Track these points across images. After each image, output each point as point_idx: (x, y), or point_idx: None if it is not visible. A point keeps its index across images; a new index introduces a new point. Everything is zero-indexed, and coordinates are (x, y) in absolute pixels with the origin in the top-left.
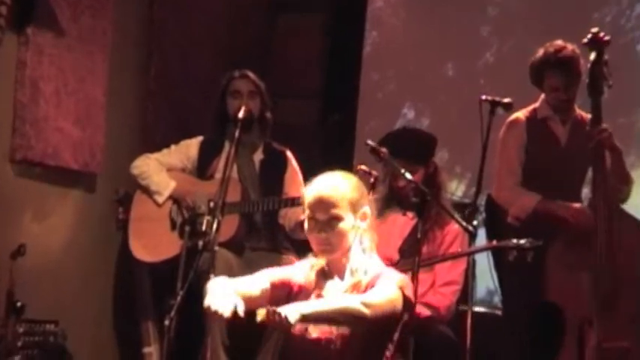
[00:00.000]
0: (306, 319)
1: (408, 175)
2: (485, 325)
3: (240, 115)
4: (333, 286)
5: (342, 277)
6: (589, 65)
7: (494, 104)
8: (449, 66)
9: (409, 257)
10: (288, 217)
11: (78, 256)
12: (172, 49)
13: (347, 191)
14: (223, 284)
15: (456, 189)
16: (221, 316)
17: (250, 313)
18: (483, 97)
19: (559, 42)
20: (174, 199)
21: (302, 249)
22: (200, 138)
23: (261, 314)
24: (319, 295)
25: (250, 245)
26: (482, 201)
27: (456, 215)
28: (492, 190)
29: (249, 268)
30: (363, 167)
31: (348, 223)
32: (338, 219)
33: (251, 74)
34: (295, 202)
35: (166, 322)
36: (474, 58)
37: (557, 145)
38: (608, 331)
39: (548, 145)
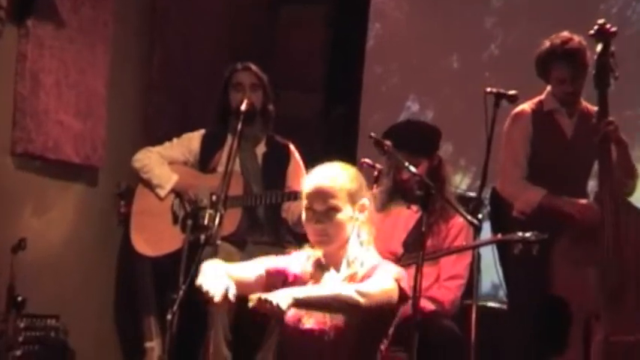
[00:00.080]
0: (299, 303)
1: (412, 168)
2: (490, 319)
3: (243, 108)
4: (329, 277)
5: (338, 269)
6: (595, 57)
7: (499, 97)
8: (453, 58)
9: (413, 251)
10: (291, 210)
11: (79, 250)
12: (174, 41)
13: (345, 182)
14: (217, 267)
15: (461, 182)
16: (212, 298)
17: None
18: (488, 89)
19: (565, 33)
20: (177, 192)
21: (305, 243)
22: (202, 131)
23: (253, 300)
24: (314, 285)
25: (253, 239)
26: (487, 194)
27: (461, 209)
28: (497, 184)
29: None
30: (367, 160)
31: (346, 214)
32: (336, 210)
33: (253, 67)
34: (298, 195)
35: (168, 317)
36: (479, 50)
37: (563, 137)
38: (615, 325)
39: (553, 137)
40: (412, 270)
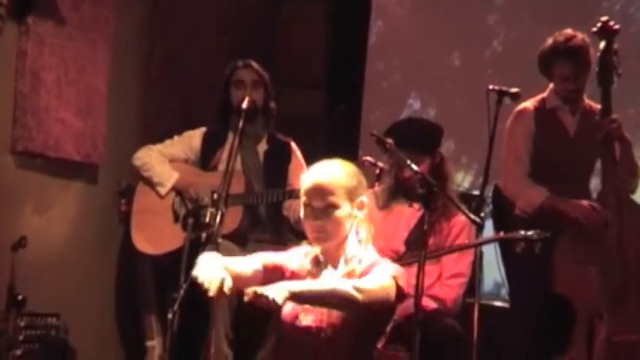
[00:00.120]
0: (295, 297)
1: (414, 166)
2: (493, 318)
3: (244, 105)
4: (327, 274)
5: (336, 267)
6: (598, 54)
7: (501, 94)
8: (455, 55)
9: (415, 249)
10: (293, 208)
11: (80, 248)
12: (175, 38)
13: (344, 179)
14: (214, 259)
15: (463, 180)
16: (206, 290)
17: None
18: (490, 86)
19: (569, 31)
20: (177, 190)
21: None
22: (203, 129)
23: (248, 294)
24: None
25: (254, 237)
26: (489, 192)
27: (463, 206)
28: (499, 181)
29: None
30: (369, 158)
31: (345, 211)
32: (334, 207)
33: (255, 64)
34: (299, 193)
35: (169, 316)
36: (481, 47)
37: (566, 135)
38: (619, 325)
39: (556, 135)
40: (414, 268)
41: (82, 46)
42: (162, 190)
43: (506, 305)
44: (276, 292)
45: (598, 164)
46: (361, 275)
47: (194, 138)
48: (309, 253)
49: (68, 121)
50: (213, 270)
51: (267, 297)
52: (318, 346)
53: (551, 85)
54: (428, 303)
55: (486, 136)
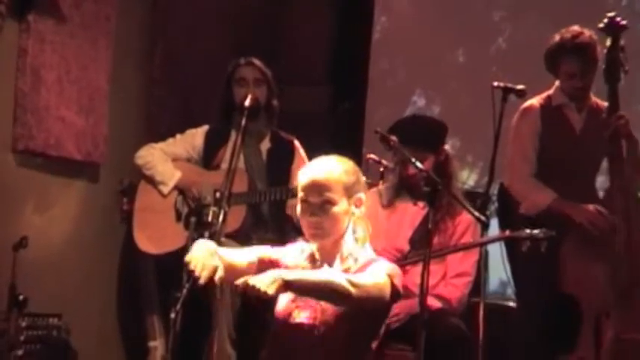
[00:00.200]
0: (288, 286)
1: (419, 164)
2: (498, 317)
3: (247, 103)
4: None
5: (331, 264)
6: (605, 51)
7: (506, 91)
8: (460, 52)
9: (420, 248)
10: (296, 207)
11: (81, 248)
12: (177, 35)
13: (341, 175)
14: (209, 247)
15: (468, 178)
16: (197, 278)
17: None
18: (495, 83)
19: (576, 27)
20: (180, 189)
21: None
22: (206, 127)
23: (240, 284)
24: None
25: (257, 236)
26: (494, 190)
27: (468, 205)
28: (505, 180)
29: None
30: (373, 156)
31: (342, 207)
32: (331, 203)
33: (257, 61)
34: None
35: (172, 316)
36: (486, 44)
37: (572, 133)
38: (626, 323)
39: (562, 133)
40: (419, 267)
41: (83, 44)
42: (165, 189)
43: (511, 304)
44: (269, 281)
45: (604, 162)
46: (357, 273)
47: (196, 136)
48: (305, 249)
49: (69, 120)
50: (207, 257)
51: (258, 289)
52: (311, 343)
53: (557, 82)
54: (433, 302)
55: (491, 133)
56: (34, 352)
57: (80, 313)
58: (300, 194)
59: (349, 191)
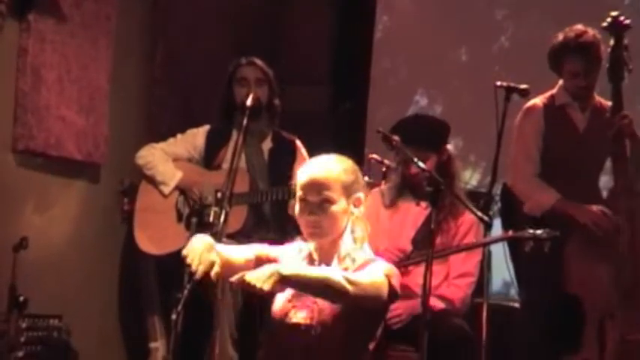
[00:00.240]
0: (285, 280)
1: (421, 164)
2: (502, 318)
3: (249, 103)
4: None
5: (329, 264)
6: (609, 50)
7: (509, 90)
8: (462, 51)
9: (422, 248)
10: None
11: (82, 248)
12: (178, 34)
13: (340, 174)
14: (207, 242)
15: (471, 178)
16: (194, 272)
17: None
18: (498, 83)
19: (579, 26)
20: (181, 189)
21: None
22: (207, 127)
23: (237, 279)
24: None
25: (259, 237)
26: (497, 190)
27: (471, 205)
28: (508, 179)
29: None
30: (375, 156)
31: (340, 206)
32: (330, 202)
33: (258, 61)
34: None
35: (173, 317)
36: (489, 43)
37: (576, 132)
38: (631, 324)
39: (566, 132)
40: (421, 268)
41: (83, 43)
42: (166, 189)
43: (515, 305)
44: (265, 277)
45: (608, 162)
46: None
47: (198, 136)
48: (303, 249)
49: (70, 120)
50: (204, 252)
51: (254, 286)
52: (308, 343)
53: (561, 82)
54: (436, 303)
55: (494, 133)
56: (34, 353)
57: (81, 314)
58: (299, 193)
59: (348, 190)
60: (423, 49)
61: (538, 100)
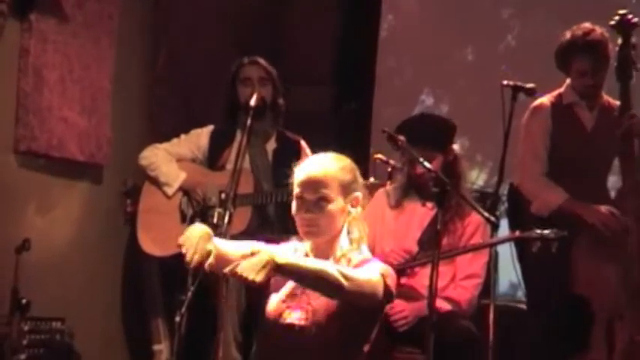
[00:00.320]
0: (280, 269)
1: (427, 164)
2: (509, 319)
3: (253, 102)
4: None
5: None
6: (617, 49)
7: (516, 90)
8: (468, 50)
9: (428, 249)
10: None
11: (85, 250)
12: (180, 34)
13: (338, 172)
14: (205, 232)
15: (477, 178)
16: (187, 262)
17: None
18: (505, 82)
19: (587, 25)
20: (185, 190)
21: None
22: (211, 127)
23: (229, 269)
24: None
25: (263, 238)
26: (504, 190)
27: (477, 205)
28: (516, 179)
29: None
30: (380, 156)
31: (337, 205)
32: (327, 200)
33: (261, 60)
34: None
35: (177, 319)
36: (495, 42)
37: (583, 131)
38: None
39: (573, 131)
40: (427, 269)
41: (85, 43)
42: (170, 190)
43: (522, 306)
44: (258, 267)
45: (616, 162)
46: None
47: (201, 136)
48: (299, 248)
49: (72, 120)
50: (200, 241)
51: (246, 278)
52: (302, 344)
53: (568, 80)
54: (442, 304)
55: (501, 132)
56: (37, 356)
57: (84, 317)
58: (296, 190)
59: (346, 189)
60: (429, 48)
61: (545, 99)
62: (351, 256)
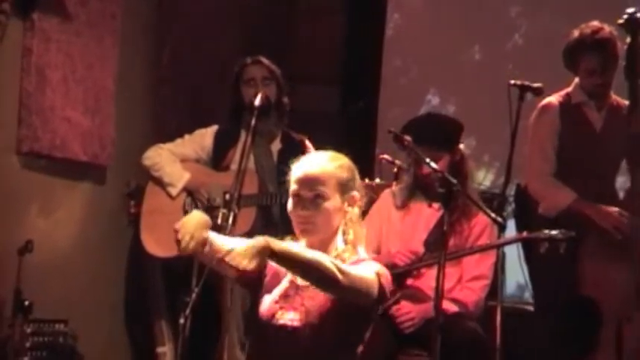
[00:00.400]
0: (275, 255)
1: (433, 164)
2: (516, 321)
3: (257, 102)
4: None
5: None
6: (625, 47)
7: (523, 89)
8: (475, 49)
9: (435, 250)
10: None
11: (87, 251)
12: (185, 34)
13: (336, 170)
14: (203, 218)
15: (484, 178)
16: (184, 249)
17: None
18: (512, 81)
19: (595, 23)
20: (189, 191)
21: None
22: (215, 127)
23: (221, 253)
24: (292, 280)
25: None
26: (511, 191)
27: (484, 206)
28: (523, 179)
29: None
30: (386, 156)
31: (334, 203)
32: (323, 197)
33: (264, 60)
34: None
35: (181, 321)
36: (502, 41)
37: (592, 131)
38: None
39: (582, 131)
40: (434, 270)
41: (89, 43)
42: (173, 191)
43: (529, 308)
44: (252, 254)
45: (624, 162)
46: None
47: (206, 137)
48: None
49: (75, 120)
50: (197, 229)
51: (239, 263)
52: (295, 345)
53: (577, 80)
54: (449, 306)
55: (508, 132)
56: (40, 358)
57: (87, 319)
58: (293, 187)
59: (343, 188)
60: (435, 48)
61: (553, 98)
62: (345, 256)
